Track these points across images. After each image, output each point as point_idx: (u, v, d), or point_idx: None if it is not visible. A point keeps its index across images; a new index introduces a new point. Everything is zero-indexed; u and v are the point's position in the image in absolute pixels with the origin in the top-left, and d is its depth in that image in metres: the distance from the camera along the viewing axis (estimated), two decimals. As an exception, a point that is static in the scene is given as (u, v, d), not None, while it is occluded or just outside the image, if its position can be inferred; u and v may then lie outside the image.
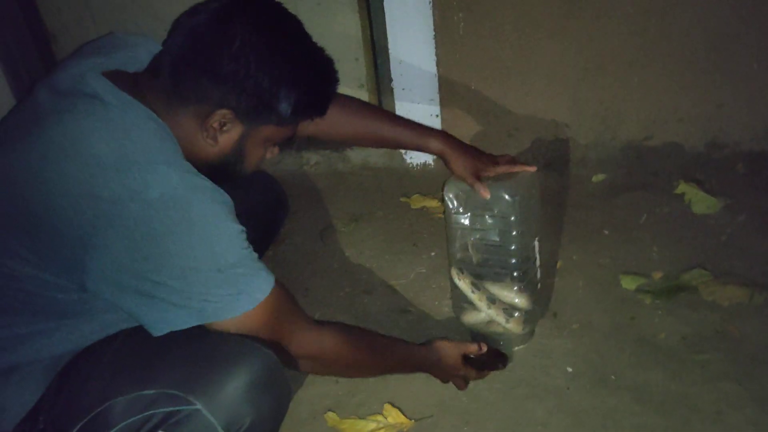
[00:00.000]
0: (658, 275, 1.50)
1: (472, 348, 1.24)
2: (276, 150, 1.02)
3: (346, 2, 1.81)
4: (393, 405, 1.24)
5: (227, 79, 0.88)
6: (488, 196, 1.19)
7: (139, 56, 0.98)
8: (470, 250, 1.29)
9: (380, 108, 1.33)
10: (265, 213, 1.43)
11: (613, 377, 1.27)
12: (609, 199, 1.76)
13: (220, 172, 0.97)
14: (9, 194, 0.85)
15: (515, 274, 1.27)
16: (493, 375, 1.28)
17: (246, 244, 0.91)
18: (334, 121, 1.21)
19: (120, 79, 0.91)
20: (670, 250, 1.56)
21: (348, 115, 1.26)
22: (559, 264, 1.56)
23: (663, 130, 1.84)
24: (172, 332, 0.88)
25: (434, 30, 1.73)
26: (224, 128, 0.92)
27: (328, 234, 1.77)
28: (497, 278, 1.29)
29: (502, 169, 1.24)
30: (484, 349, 1.25)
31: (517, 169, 1.24)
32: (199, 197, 0.85)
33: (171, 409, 0.86)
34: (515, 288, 1.28)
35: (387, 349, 1.17)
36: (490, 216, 1.25)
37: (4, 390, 0.91)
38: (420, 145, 1.29)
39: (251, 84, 0.89)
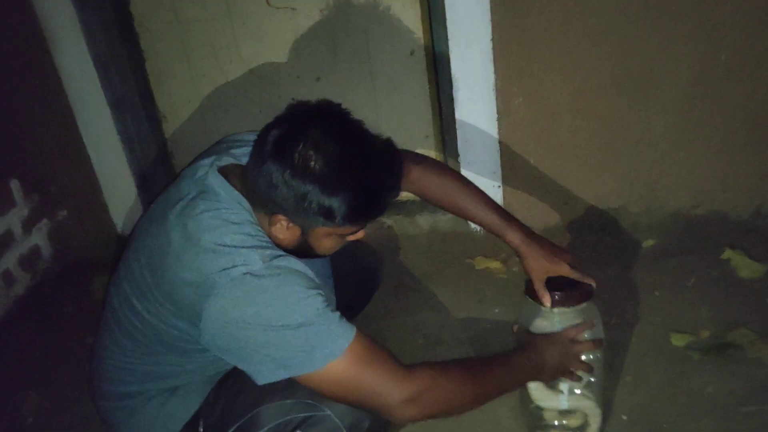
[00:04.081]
0: (705, 334, 1.63)
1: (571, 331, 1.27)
2: (361, 233, 1.15)
3: (419, 92, 2.07)
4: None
5: (278, 198, 1.05)
6: (548, 304, 1.29)
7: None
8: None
9: (474, 187, 1.42)
10: (355, 285, 1.62)
11: (665, 425, 1.41)
12: (659, 263, 1.91)
13: (300, 253, 1.15)
14: (150, 265, 1.11)
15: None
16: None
17: (322, 303, 1.04)
18: (433, 188, 1.38)
19: (232, 172, 1.14)
20: (717, 311, 1.69)
21: (445, 186, 1.39)
22: (613, 321, 1.71)
23: (710, 200, 1.99)
24: None
25: (497, 113, 1.95)
26: (287, 227, 1.10)
27: (401, 291, 1.98)
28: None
29: (565, 271, 1.32)
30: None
31: (577, 276, 1.33)
32: (276, 271, 1.04)
33: (307, 414, 1.10)
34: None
35: (485, 366, 1.16)
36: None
37: (171, 401, 1.17)
38: (500, 233, 1.36)
39: (298, 200, 1.04)
